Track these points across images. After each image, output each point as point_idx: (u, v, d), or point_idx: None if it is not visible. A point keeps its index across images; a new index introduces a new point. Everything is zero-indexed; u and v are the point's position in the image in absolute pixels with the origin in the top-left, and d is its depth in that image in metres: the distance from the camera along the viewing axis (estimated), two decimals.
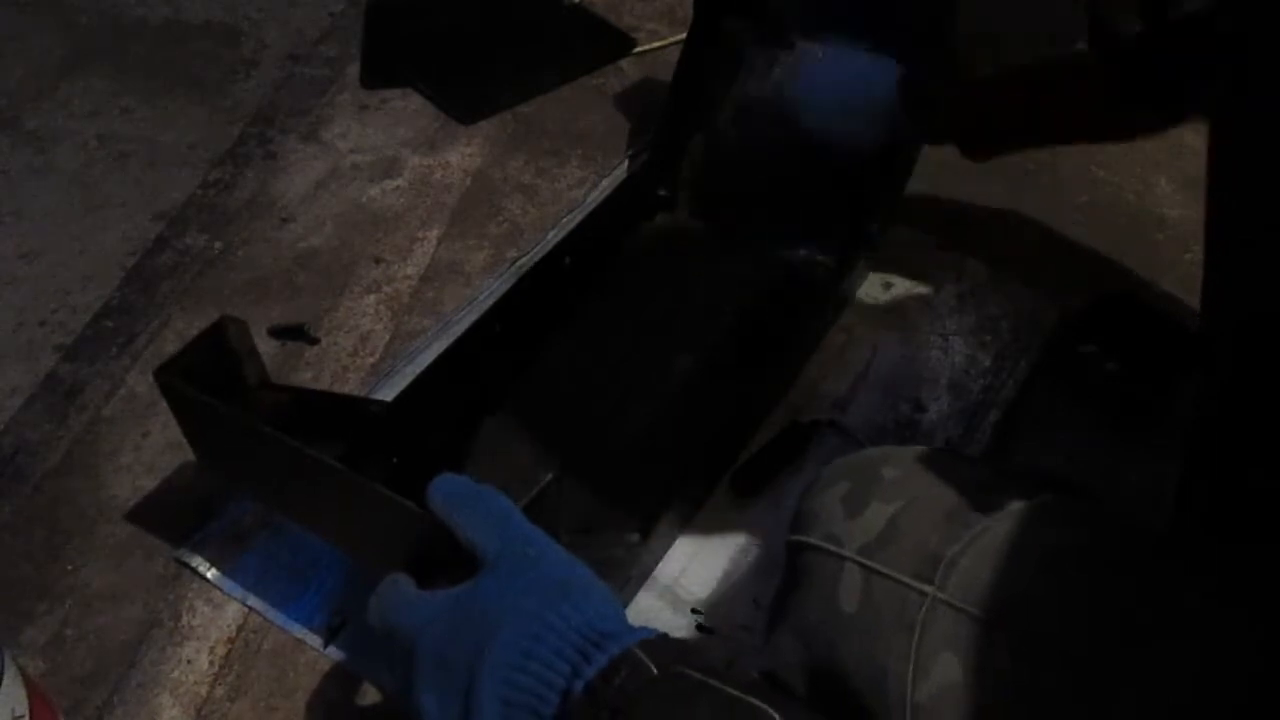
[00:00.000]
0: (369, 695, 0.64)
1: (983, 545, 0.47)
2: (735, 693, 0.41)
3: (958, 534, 0.48)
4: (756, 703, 0.41)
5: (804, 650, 0.50)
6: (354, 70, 1.12)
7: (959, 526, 0.48)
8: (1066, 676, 0.43)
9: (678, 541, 0.70)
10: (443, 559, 0.49)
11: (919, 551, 0.48)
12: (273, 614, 0.67)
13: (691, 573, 0.69)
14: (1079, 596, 0.45)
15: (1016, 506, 0.49)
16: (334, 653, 0.66)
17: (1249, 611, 0.42)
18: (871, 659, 0.47)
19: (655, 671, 0.42)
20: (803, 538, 0.52)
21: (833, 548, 0.50)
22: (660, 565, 0.69)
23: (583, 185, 0.98)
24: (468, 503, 0.50)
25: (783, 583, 0.54)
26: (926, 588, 0.47)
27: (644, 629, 0.45)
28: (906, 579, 0.48)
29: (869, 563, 0.49)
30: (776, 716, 0.40)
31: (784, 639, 0.52)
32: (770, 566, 0.69)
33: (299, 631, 0.66)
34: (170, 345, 0.84)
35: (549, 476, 0.53)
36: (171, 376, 0.61)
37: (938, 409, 0.77)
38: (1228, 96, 0.46)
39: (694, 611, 0.67)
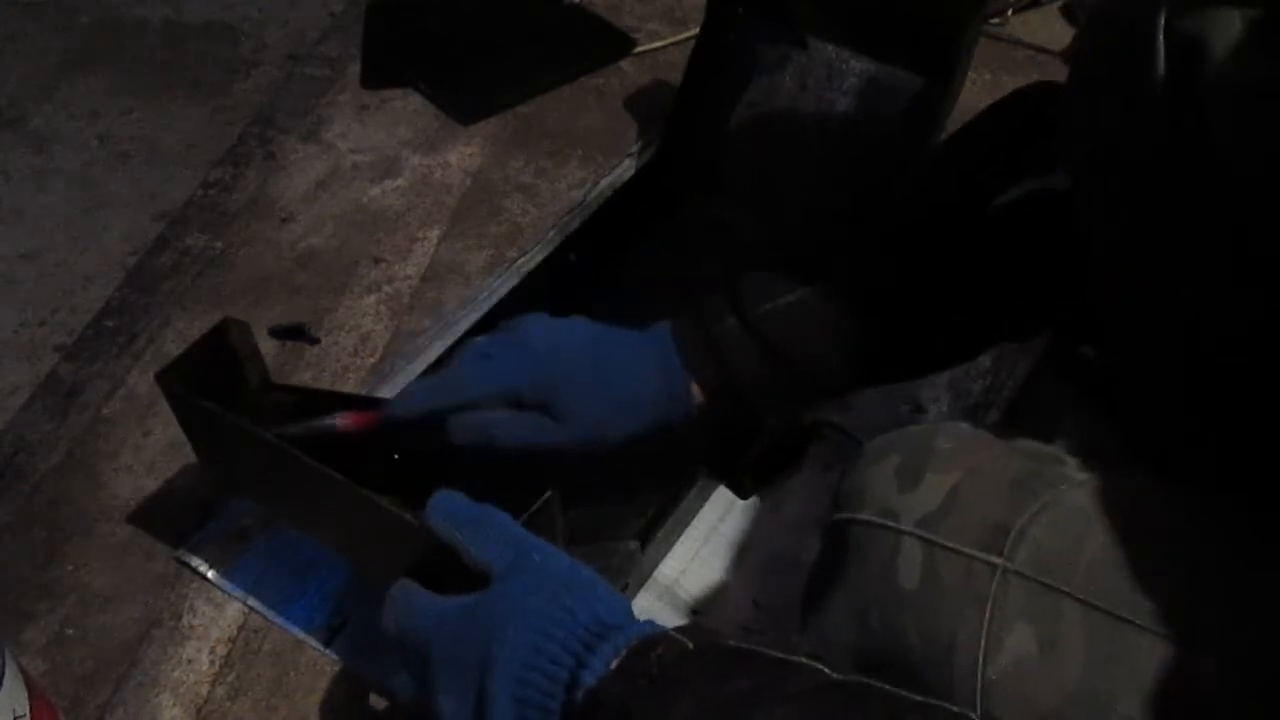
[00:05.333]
0: (369, 695, 0.64)
1: (1053, 515, 0.46)
2: (780, 655, 0.41)
3: (1025, 503, 0.46)
4: (804, 660, 0.40)
5: (857, 630, 0.48)
6: (354, 70, 1.12)
7: (1026, 495, 0.47)
8: (1145, 647, 0.42)
9: (677, 543, 0.70)
10: (445, 570, 0.49)
11: (984, 522, 0.46)
12: (273, 614, 0.67)
13: (691, 574, 0.69)
14: (1155, 566, 0.44)
15: (1082, 477, 0.47)
16: (334, 653, 0.66)
17: None
18: (936, 636, 0.45)
19: (692, 646, 0.42)
20: (851, 514, 0.50)
21: (888, 522, 0.48)
22: (660, 567, 0.69)
23: (583, 185, 0.98)
24: (469, 521, 0.50)
25: (822, 565, 0.52)
26: (995, 559, 0.45)
27: (649, 622, 0.45)
28: (973, 551, 0.46)
29: (930, 536, 0.47)
30: (825, 669, 0.39)
31: (833, 619, 0.50)
32: (770, 567, 0.69)
33: (299, 632, 0.66)
34: (170, 345, 0.84)
35: (546, 493, 0.53)
36: (173, 380, 0.61)
37: (938, 409, 0.77)
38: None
39: (694, 612, 0.67)
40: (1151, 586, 0.43)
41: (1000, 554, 0.45)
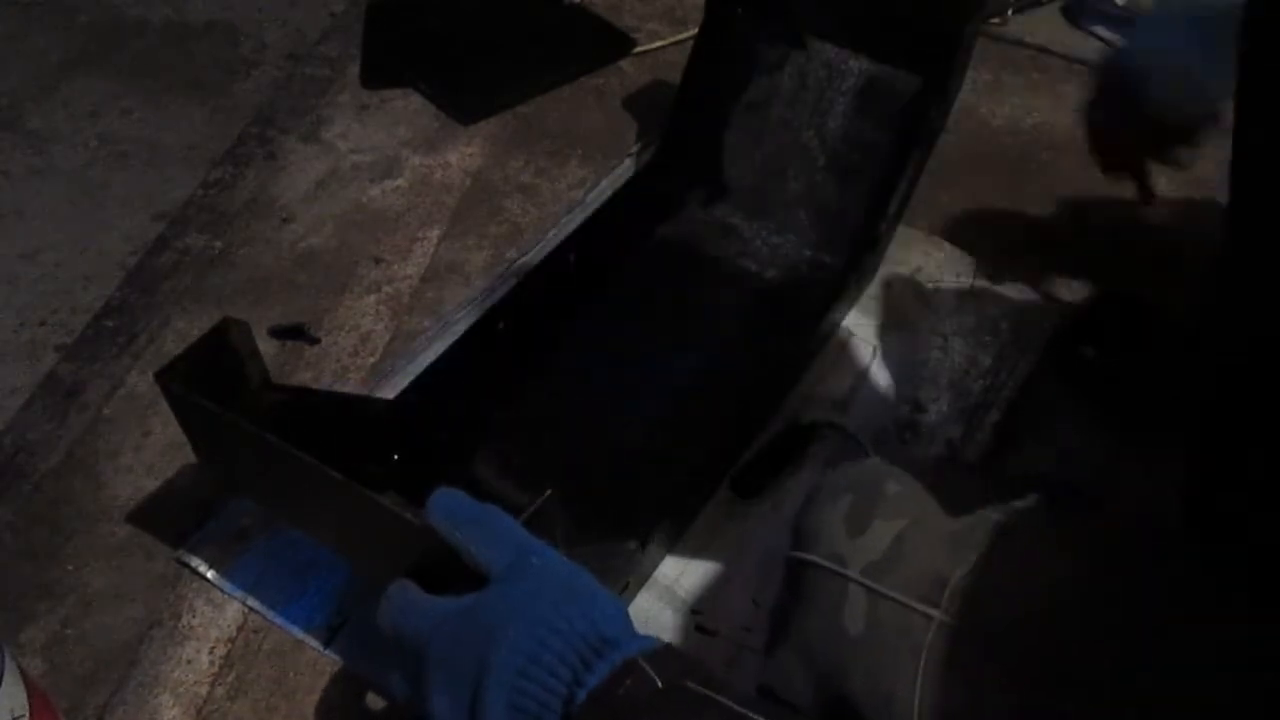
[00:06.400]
0: (369, 695, 0.64)
1: (988, 569, 0.47)
2: (739, 708, 0.41)
3: (963, 556, 0.48)
4: (759, 718, 0.41)
5: (808, 671, 0.50)
6: (354, 70, 1.12)
7: (965, 548, 0.48)
8: (1071, 703, 0.43)
9: (678, 543, 0.70)
10: (445, 570, 0.49)
11: (924, 574, 0.48)
12: (273, 614, 0.67)
13: (691, 573, 0.69)
14: (1084, 623, 0.45)
15: (1021, 525, 0.49)
16: (334, 653, 0.66)
17: (1251, 630, 0.42)
18: (877, 683, 0.47)
19: (659, 684, 0.42)
20: (804, 555, 0.52)
21: (836, 568, 0.50)
22: (660, 566, 0.69)
23: (583, 185, 0.98)
24: (470, 521, 0.50)
25: (783, 598, 0.54)
26: (933, 611, 0.47)
27: (647, 637, 0.45)
28: (912, 602, 0.47)
29: (873, 584, 0.49)
30: None
31: (787, 658, 0.51)
32: (770, 567, 0.69)
33: (299, 632, 0.66)
34: (170, 345, 0.84)
35: (546, 492, 0.53)
36: (173, 379, 0.61)
37: (938, 409, 0.77)
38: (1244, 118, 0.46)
39: (694, 612, 0.67)
40: (1073, 646, 0.44)
41: (937, 606, 0.47)
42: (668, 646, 0.45)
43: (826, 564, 0.50)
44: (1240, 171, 0.46)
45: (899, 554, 0.49)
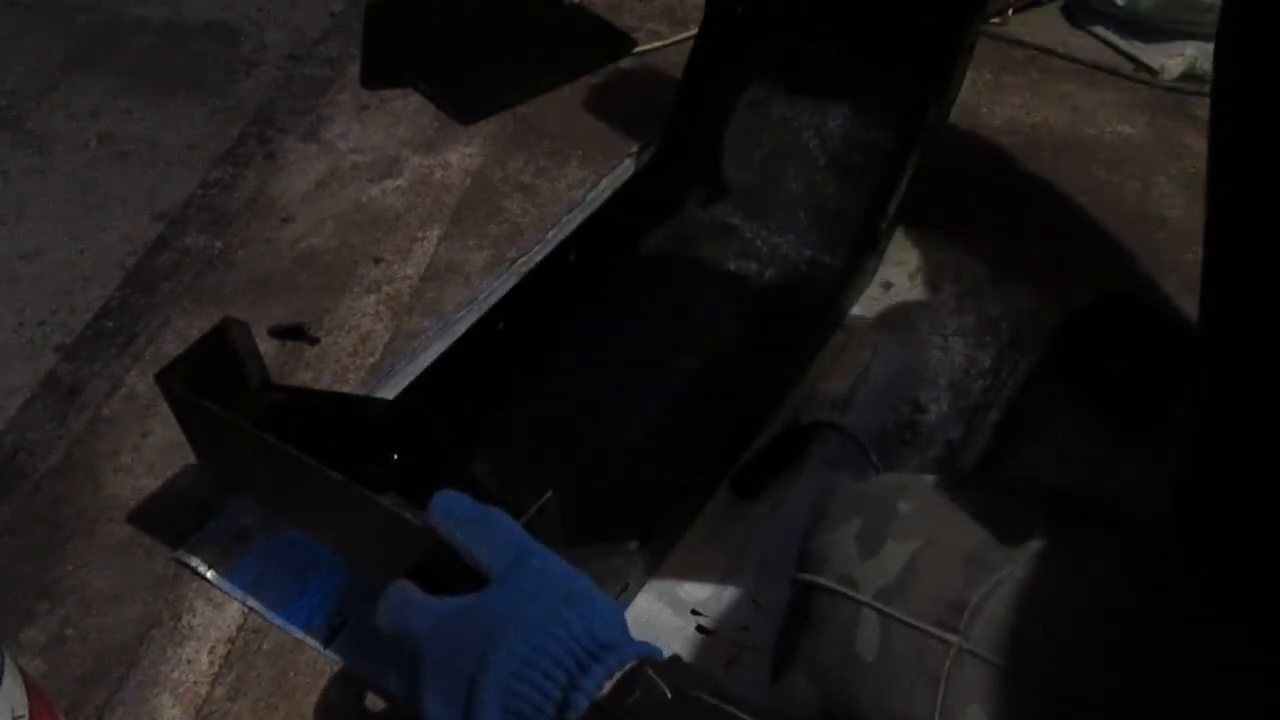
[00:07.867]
0: (369, 695, 0.64)
1: (1007, 591, 0.46)
2: (749, 718, 0.41)
3: (980, 578, 0.46)
4: None
5: (819, 694, 0.49)
6: (354, 70, 1.12)
7: (981, 570, 0.47)
8: None
9: (678, 543, 0.70)
10: (445, 570, 0.49)
11: (940, 597, 0.46)
12: (272, 614, 0.67)
13: (691, 574, 0.69)
14: (1106, 648, 0.44)
15: (1037, 545, 0.47)
16: (334, 653, 0.66)
17: (1251, 630, 0.42)
18: (891, 711, 0.46)
19: (669, 695, 0.42)
20: (813, 578, 0.51)
21: (848, 591, 0.49)
22: (660, 567, 0.69)
23: (583, 185, 0.98)
24: (470, 522, 0.49)
25: (790, 621, 0.53)
26: (951, 637, 0.45)
27: (644, 643, 0.45)
28: (928, 627, 0.46)
29: (888, 609, 0.47)
30: None
31: (797, 683, 0.50)
32: (770, 568, 0.69)
33: (299, 632, 0.66)
34: (170, 345, 0.84)
35: (547, 493, 0.53)
36: (173, 379, 0.61)
37: (937, 409, 0.77)
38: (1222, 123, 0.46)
39: (694, 613, 0.67)
40: (1097, 672, 0.43)
41: (955, 631, 0.45)
42: (675, 657, 0.45)
43: (837, 587, 0.49)
44: (1218, 174, 0.46)
45: (913, 576, 0.48)
